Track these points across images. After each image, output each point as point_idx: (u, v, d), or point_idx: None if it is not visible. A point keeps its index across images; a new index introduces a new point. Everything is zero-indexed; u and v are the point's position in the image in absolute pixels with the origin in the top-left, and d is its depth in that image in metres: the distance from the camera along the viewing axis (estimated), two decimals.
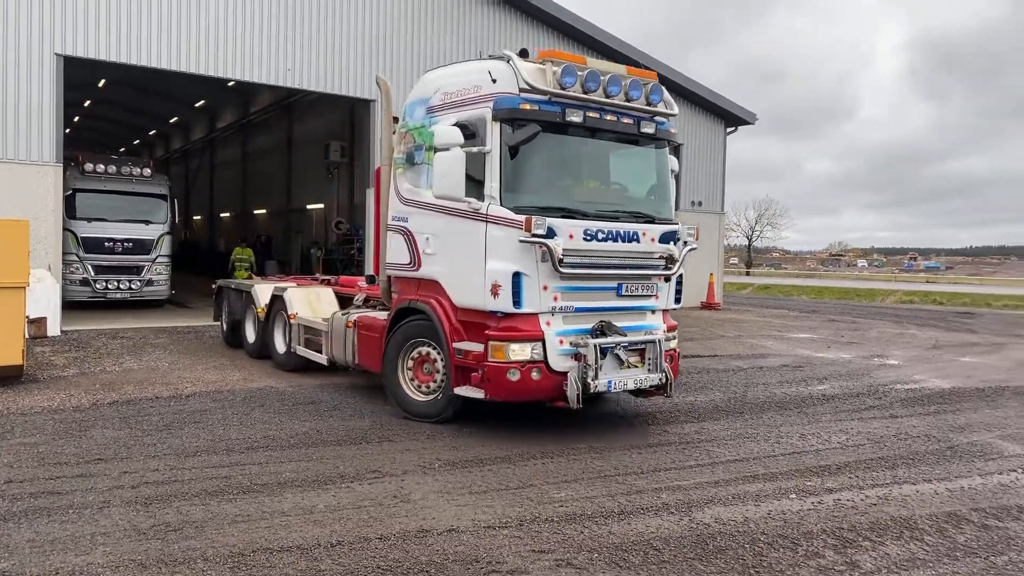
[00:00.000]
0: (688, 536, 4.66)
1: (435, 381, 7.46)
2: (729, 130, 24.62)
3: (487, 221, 6.73)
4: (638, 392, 7.38)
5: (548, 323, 6.78)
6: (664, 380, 7.18)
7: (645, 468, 6.08)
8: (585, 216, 6.90)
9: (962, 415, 8.56)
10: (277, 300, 10.38)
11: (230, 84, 20.13)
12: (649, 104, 7.29)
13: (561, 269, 6.58)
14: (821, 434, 7.40)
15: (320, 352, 9.33)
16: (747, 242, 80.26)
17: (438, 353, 7.34)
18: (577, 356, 6.74)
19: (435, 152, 6.80)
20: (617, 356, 6.94)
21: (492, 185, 6.71)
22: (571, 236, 6.67)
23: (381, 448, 6.52)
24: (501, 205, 6.63)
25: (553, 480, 5.70)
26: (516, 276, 6.57)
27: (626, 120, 7.18)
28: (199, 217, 43.93)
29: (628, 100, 7.13)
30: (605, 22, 20.57)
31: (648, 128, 7.33)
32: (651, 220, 7.39)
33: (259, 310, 10.66)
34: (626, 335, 7.05)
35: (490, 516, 4.91)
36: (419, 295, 7.52)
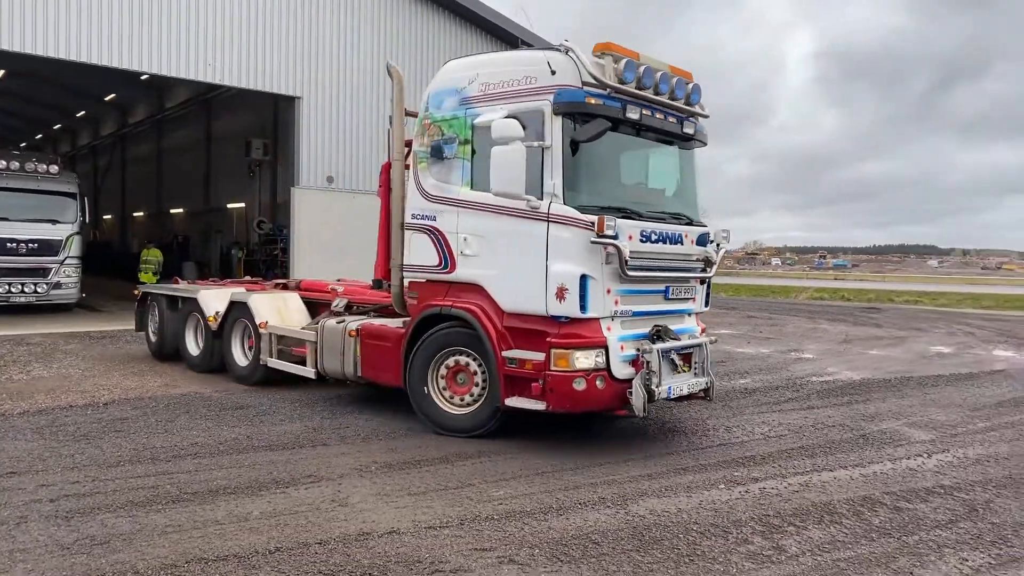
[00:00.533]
0: (625, 528, 4.79)
1: (472, 393, 6.96)
2: None
3: (549, 221, 6.35)
4: (681, 398, 7.08)
5: (609, 328, 6.46)
6: (709, 384, 7.13)
7: (581, 464, 6.20)
8: (640, 217, 6.77)
9: (872, 405, 9.09)
10: (237, 307, 9.49)
11: (144, 77, 19.32)
12: (688, 104, 7.17)
13: (628, 272, 6.38)
14: (745, 426, 7.72)
15: (303, 364, 8.59)
16: None
17: (477, 363, 6.90)
18: (635, 362, 6.48)
19: (493, 146, 6.26)
20: (672, 361, 6.78)
21: (554, 182, 6.33)
22: (630, 237, 6.47)
23: (315, 452, 6.41)
24: (564, 204, 6.35)
25: (492, 479, 5.75)
26: (583, 279, 6.23)
27: (671, 119, 7.03)
28: (110, 216, 41.88)
29: (673, 99, 7.01)
30: (526, 24, 20.70)
31: (689, 128, 7.21)
32: (690, 222, 7.31)
33: (209, 319, 9.68)
34: (680, 339, 6.95)
35: (430, 516, 4.91)
36: (453, 300, 6.96)
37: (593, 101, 6.35)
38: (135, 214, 38.42)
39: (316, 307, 9.50)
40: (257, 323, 9.02)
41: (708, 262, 7.33)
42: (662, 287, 6.97)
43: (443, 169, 7.10)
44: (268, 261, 23.67)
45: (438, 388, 7.10)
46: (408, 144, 7.79)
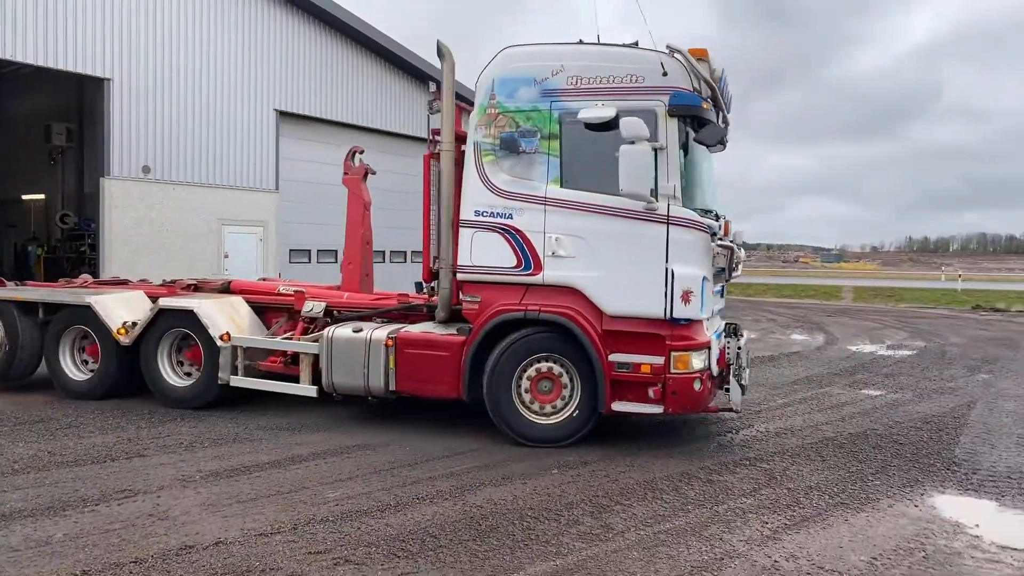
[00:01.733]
0: (463, 519, 4.86)
1: (561, 400, 6.68)
2: None
3: (669, 223, 6.29)
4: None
5: (706, 328, 6.58)
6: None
7: (418, 459, 6.21)
8: (717, 218, 6.88)
9: None
10: (171, 316, 7.91)
11: None
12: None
13: (734, 274, 6.77)
14: None
15: (274, 379, 7.71)
16: None
17: (565, 368, 6.65)
18: (718, 360, 6.69)
19: (623, 145, 6.04)
20: (739, 357, 7.11)
21: (671, 184, 6.26)
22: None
23: (131, 465, 5.92)
24: (682, 206, 6.33)
25: (327, 480, 5.60)
26: (704, 281, 6.31)
27: (722, 122, 7.15)
28: None
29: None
30: (374, 23, 20.44)
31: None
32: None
33: (118, 331, 7.90)
34: (743, 334, 7.30)
35: (261, 523, 4.70)
36: (540, 304, 6.60)
37: (706, 106, 6.48)
38: None
39: (262, 313, 8.37)
40: (216, 335, 7.62)
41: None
42: (719, 286, 7.32)
43: (520, 164, 6.70)
44: (74, 259, 21.43)
45: (521, 397, 6.72)
46: (436, 133, 7.34)
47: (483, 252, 6.80)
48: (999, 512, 5.31)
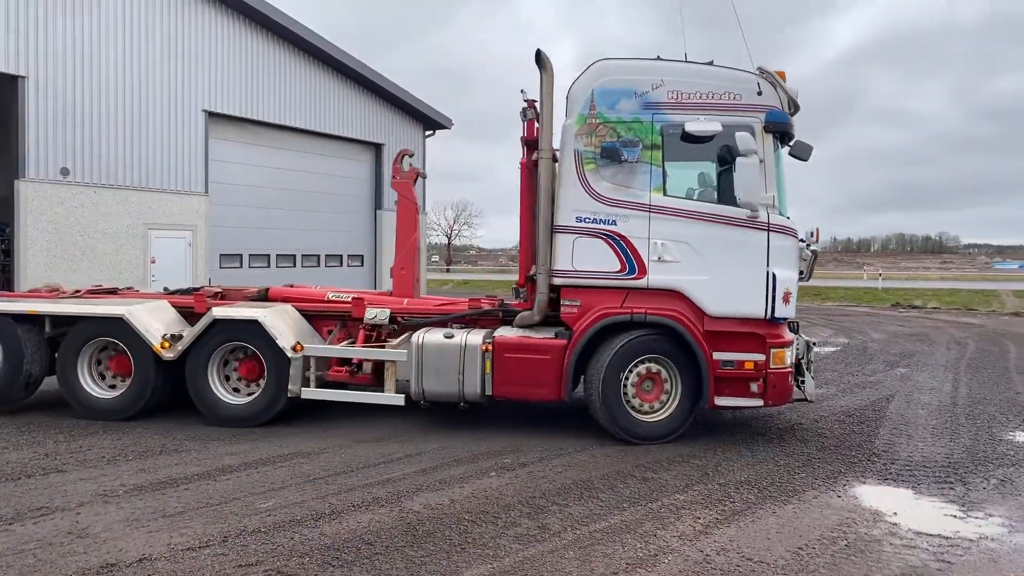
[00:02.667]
0: (399, 526, 4.81)
1: (662, 398, 7.03)
2: (428, 133, 25.54)
3: (769, 230, 6.81)
4: None
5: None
6: None
7: (355, 466, 6.12)
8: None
9: None
10: (228, 327, 7.39)
11: None
12: None
13: (811, 276, 7.42)
14: (513, 416, 8.09)
15: (361, 390, 7.58)
16: (447, 240, 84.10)
17: (667, 368, 6.98)
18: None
19: (739, 157, 6.51)
20: (806, 351, 7.67)
21: (770, 195, 6.76)
22: None
23: (48, 481, 5.64)
24: (780, 214, 6.91)
25: (259, 490, 5.46)
26: (796, 283, 6.94)
27: None
28: None
29: None
30: (290, 11, 20.07)
31: None
32: None
33: (160, 344, 7.33)
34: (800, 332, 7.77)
35: (189, 538, 4.55)
36: (647, 307, 6.90)
37: (794, 123, 7.07)
38: None
39: (310, 321, 7.98)
40: (286, 345, 7.24)
41: None
42: None
43: (621, 172, 6.97)
44: None
45: (627, 396, 6.97)
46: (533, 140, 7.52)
47: (585, 257, 7.04)
48: (915, 500, 5.57)
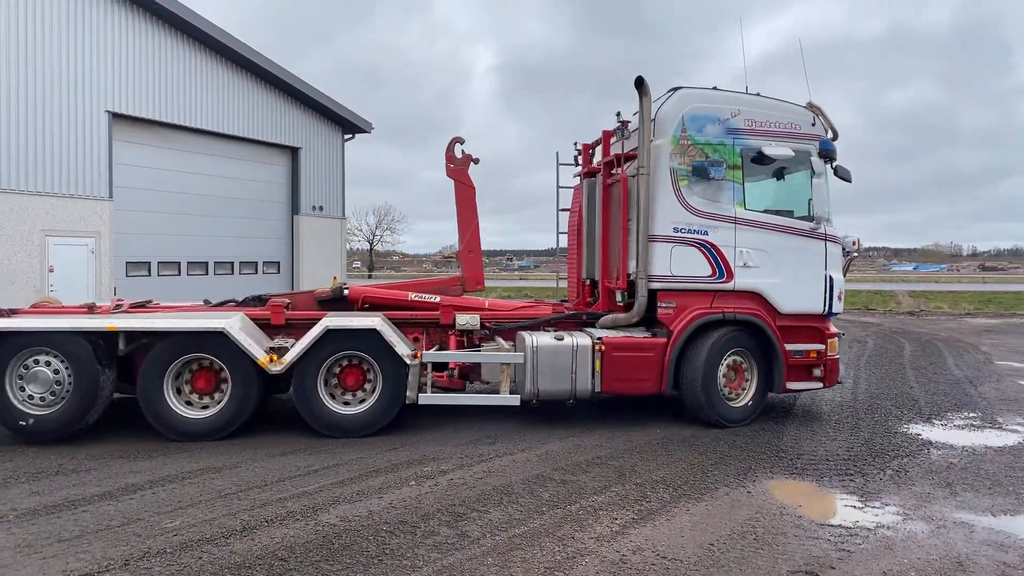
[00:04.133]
0: (314, 540, 4.69)
1: (744, 386, 8.07)
2: (347, 137, 25.12)
3: (825, 239, 8.17)
4: None
5: None
6: None
7: (269, 480, 5.93)
8: None
9: None
10: (343, 338, 7.29)
11: None
12: None
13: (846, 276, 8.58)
14: (433, 424, 8.03)
15: (458, 392, 7.93)
16: (368, 246, 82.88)
17: (747, 359, 8.05)
18: None
19: (814, 178, 8.11)
20: None
21: (828, 210, 8.20)
22: None
23: None
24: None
25: (166, 509, 5.22)
26: (844, 284, 8.40)
27: None
28: None
29: None
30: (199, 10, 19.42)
31: None
32: None
33: (267, 359, 7.07)
34: None
35: (87, 563, 4.30)
36: (736, 307, 7.97)
37: (836, 149, 8.31)
38: None
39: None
40: (404, 352, 7.31)
41: None
42: None
43: (710, 188, 7.95)
44: None
45: (720, 387, 7.87)
46: (628, 157, 8.35)
47: (682, 263, 7.96)
48: (818, 492, 5.85)
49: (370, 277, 67.02)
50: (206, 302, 8.97)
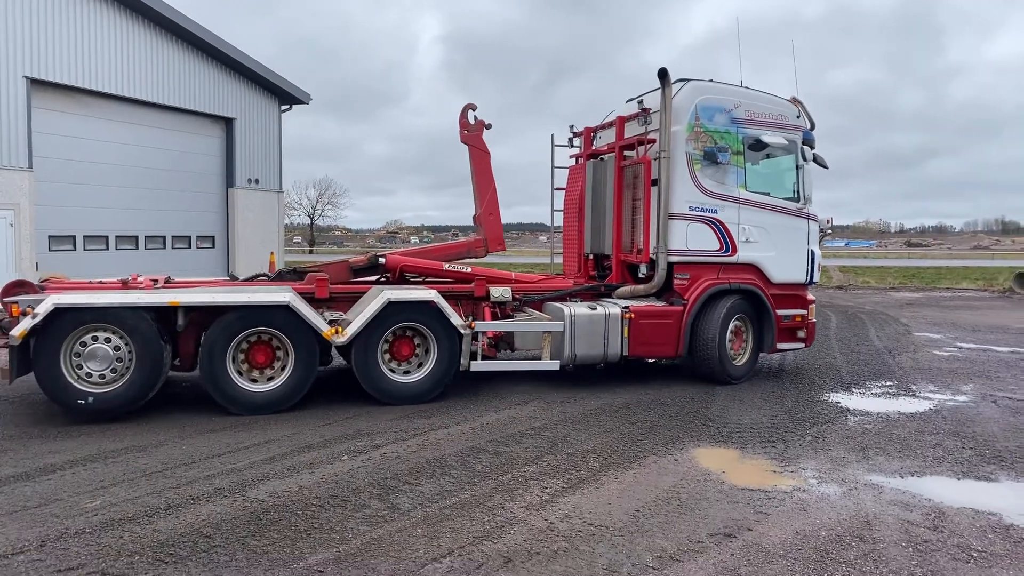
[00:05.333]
0: (242, 516, 4.64)
1: (742, 348, 9.09)
2: (284, 108, 24.43)
3: (808, 218, 9.38)
4: None
5: None
6: None
7: (197, 457, 5.83)
8: None
9: None
10: (403, 310, 7.61)
11: None
12: None
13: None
14: (367, 398, 7.98)
15: (533, 357, 8.53)
16: (309, 221, 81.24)
17: (746, 324, 9.06)
18: None
19: (803, 163, 9.31)
20: None
21: (808, 192, 9.39)
22: None
23: None
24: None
25: (86, 489, 5.08)
26: (820, 257, 9.67)
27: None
28: None
29: None
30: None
31: None
32: None
33: (334, 330, 7.29)
34: None
35: (0, 544, 4.16)
36: (730, 277, 8.95)
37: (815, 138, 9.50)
38: None
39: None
40: (458, 323, 7.77)
41: None
42: None
43: (718, 171, 8.85)
44: None
45: (726, 348, 8.81)
46: (639, 141, 9.11)
47: (696, 239, 8.82)
48: (741, 458, 6.07)
49: (311, 252, 65.81)
50: (233, 277, 9.01)
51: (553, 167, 10.54)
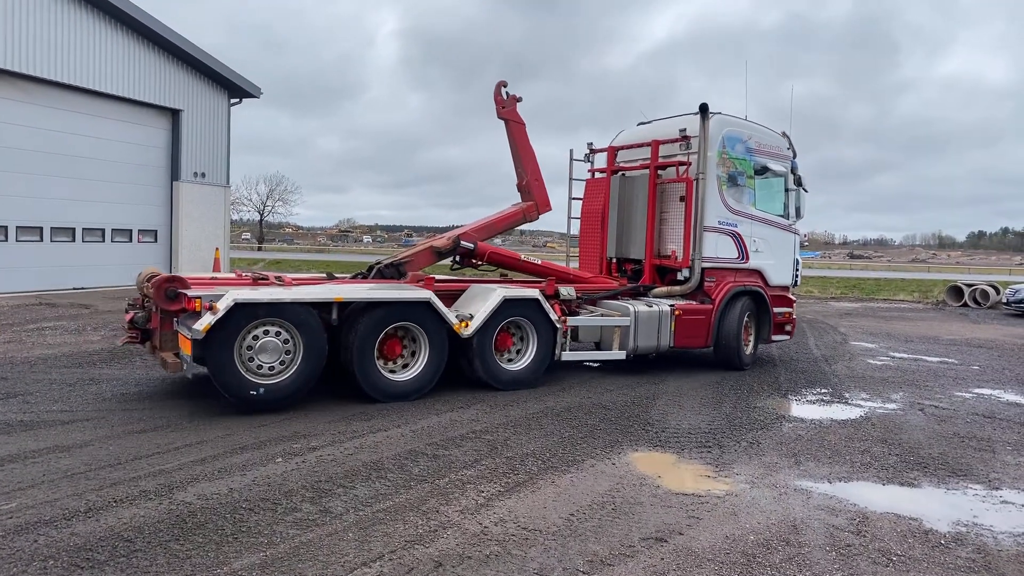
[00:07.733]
0: (166, 519, 4.50)
1: (748, 340, 10.83)
2: (233, 101, 23.94)
3: (795, 233, 11.58)
4: None
5: None
6: None
7: (123, 458, 5.63)
8: None
9: None
10: (513, 306, 8.63)
11: None
12: None
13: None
14: (304, 400, 7.84)
15: (610, 348, 9.50)
16: (259, 217, 79.68)
17: (752, 320, 10.84)
18: None
19: (799, 187, 11.51)
20: None
21: (795, 210, 11.50)
22: None
23: None
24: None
25: (2, 491, 4.86)
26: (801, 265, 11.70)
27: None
28: None
29: None
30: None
31: None
32: None
33: (462, 324, 8.13)
34: None
35: None
36: (743, 281, 10.74)
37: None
38: None
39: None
40: (555, 318, 8.88)
41: None
42: None
43: (737, 192, 10.58)
44: None
45: (742, 340, 10.56)
46: (663, 165, 10.66)
47: (722, 248, 10.51)
48: (678, 463, 6.15)
49: (260, 249, 64.52)
50: (329, 275, 9.43)
51: (571, 179, 11.84)
